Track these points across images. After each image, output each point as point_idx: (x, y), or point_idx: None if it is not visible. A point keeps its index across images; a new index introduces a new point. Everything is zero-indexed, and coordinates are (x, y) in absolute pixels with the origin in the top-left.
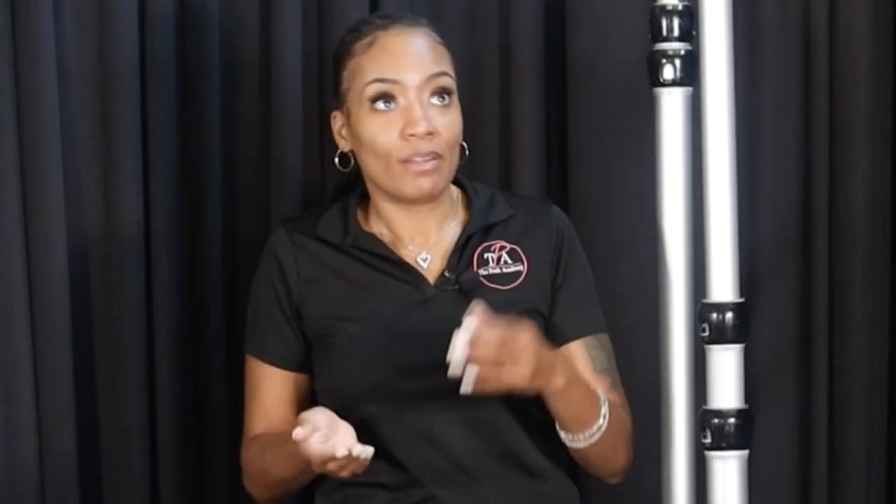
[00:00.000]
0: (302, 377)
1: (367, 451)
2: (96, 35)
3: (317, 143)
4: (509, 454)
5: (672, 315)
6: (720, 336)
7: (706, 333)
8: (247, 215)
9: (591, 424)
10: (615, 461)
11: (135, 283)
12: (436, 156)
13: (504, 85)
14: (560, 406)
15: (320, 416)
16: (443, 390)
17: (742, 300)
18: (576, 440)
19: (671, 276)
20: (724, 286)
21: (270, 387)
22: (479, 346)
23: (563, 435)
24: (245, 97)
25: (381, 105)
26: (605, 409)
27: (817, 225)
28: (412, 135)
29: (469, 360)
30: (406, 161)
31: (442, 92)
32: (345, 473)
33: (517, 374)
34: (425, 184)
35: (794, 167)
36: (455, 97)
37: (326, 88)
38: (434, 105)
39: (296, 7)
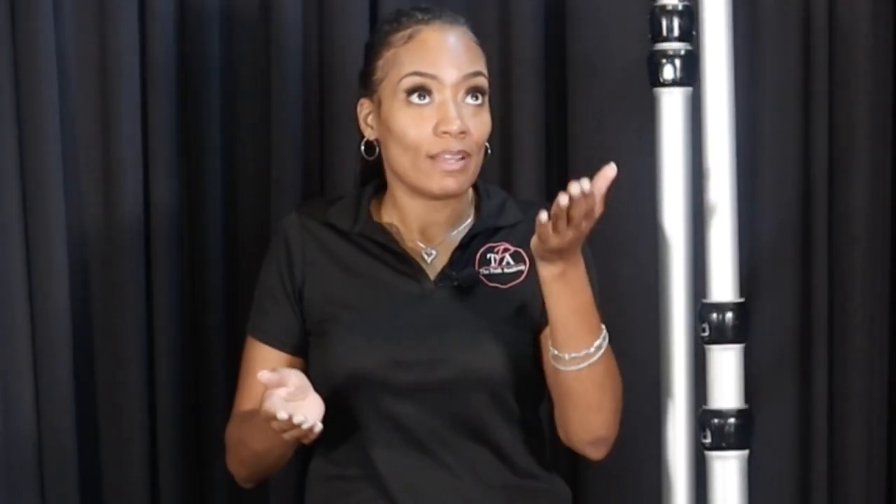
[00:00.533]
0: (297, 361)
1: (310, 424)
2: (96, 35)
3: (317, 143)
4: (493, 452)
5: (672, 315)
6: (720, 336)
7: (706, 333)
8: (247, 215)
9: (583, 344)
10: (598, 416)
11: (135, 283)
12: (465, 155)
13: (504, 85)
14: (564, 297)
15: (293, 376)
16: (432, 386)
17: (742, 300)
18: (562, 359)
19: (671, 276)
20: (724, 286)
21: (262, 366)
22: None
23: (553, 353)
24: (245, 97)
25: (416, 98)
26: (600, 341)
27: (817, 225)
28: (445, 132)
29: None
30: (434, 157)
31: (476, 91)
32: (287, 437)
33: (580, 231)
34: (451, 183)
35: (794, 167)
36: (487, 98)
37: (326, 88)
38: (468, 104)
39: (296, 7)
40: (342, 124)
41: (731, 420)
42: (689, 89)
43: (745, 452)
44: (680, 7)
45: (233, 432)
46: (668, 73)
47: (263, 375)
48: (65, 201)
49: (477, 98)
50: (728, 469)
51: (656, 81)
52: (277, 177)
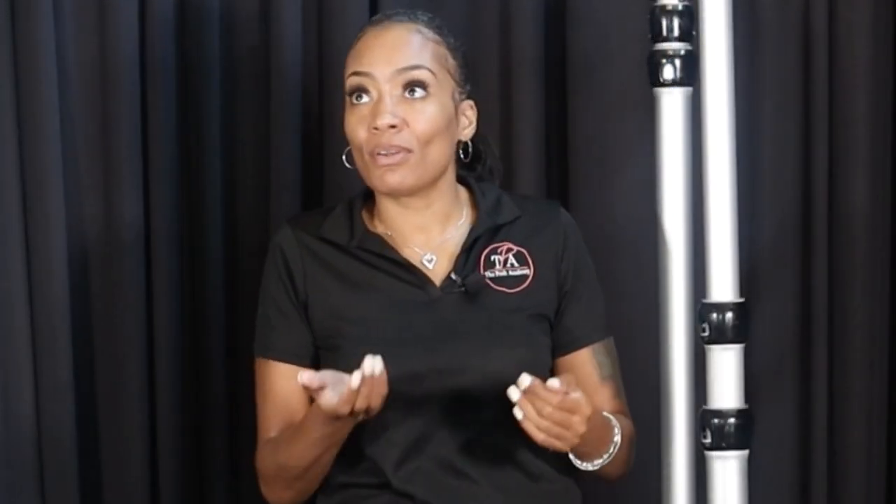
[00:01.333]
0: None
1: (380, 367)
2: (96, 35)
3: (317, 144)
4: (507, 458)
5: (672, 315)
6: (720, 336)
7: (706, 333)
8: (247, 215)
9: (604, 452)
10: (620, 470)
11: (135, 283)
12: (401, 150)
13: (504, 85)
14: (579, 444)
15: (326, 373)
16: (446, 394)
17: (742, 300)
18: (587, 465)
19: (671, 276)
20: (724, 286)
21: (283, 385)
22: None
23: (575, 461)
24: (245, 97)
25: (355, 99)
26: (617, 437)
27: (817, 224)
28: (375, 128)
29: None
30: (372, 154)
31: (414, 85)
32: (369, 409)
33: (571, 437)
34: (391, 179)
35: (794, 167)
36: (436, 90)
37: (326, 89)
38: (406, 98)
39: (296, 7)
40: (341, 124)
41: (731, 420)
42: (689, 89)
43: (745, 452)
44: (680, 7)
45: (270, 459)
46: (668, 73)
47: (304, 376)
48: (65, 201)
49: (416, 92)
50: (728, 469)
51: (656, 81)
52: (277, 177)
